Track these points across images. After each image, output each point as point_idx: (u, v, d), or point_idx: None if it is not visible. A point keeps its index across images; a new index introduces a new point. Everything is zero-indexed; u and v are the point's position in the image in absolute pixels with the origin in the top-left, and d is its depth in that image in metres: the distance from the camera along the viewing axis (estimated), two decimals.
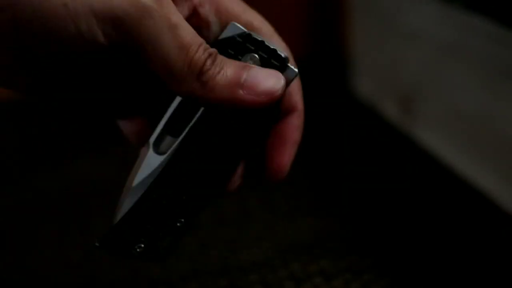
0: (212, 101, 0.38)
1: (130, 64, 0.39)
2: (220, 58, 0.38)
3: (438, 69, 0.67)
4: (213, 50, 0.38)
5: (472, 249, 0.55)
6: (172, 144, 0.40)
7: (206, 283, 0.52)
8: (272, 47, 0.40)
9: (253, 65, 0.39)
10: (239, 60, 0.39)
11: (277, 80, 0.39)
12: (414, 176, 0.66)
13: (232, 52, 0.40)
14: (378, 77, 0.79)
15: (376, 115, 0.78)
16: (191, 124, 0.40)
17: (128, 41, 0.37)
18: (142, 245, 0.41)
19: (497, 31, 0.58)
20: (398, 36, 0.73)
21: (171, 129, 0.40)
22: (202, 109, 0.40)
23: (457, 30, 0.63)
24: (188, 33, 0.37)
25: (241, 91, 0.38)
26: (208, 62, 0.37)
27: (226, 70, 0.38)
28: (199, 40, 0.37)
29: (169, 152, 0.40)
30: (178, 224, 0.41)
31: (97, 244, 0.41)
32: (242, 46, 0.40)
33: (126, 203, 0.41)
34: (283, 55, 0.40)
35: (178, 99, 0.41)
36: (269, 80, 0.39)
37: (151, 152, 0.40)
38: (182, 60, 0.37)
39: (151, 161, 0.40)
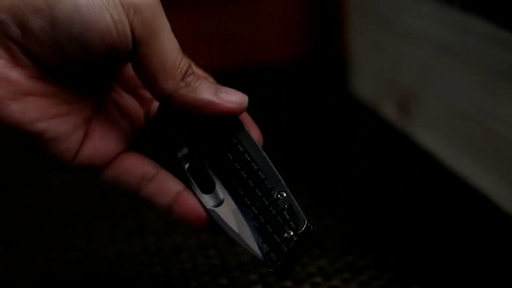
0: (191, 101, 0.43)
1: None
2: (197, 73, 0.44)
3: (437, 70, 0.67)
4: (189, 62, 0.44)
5: (471, 249, 0.55)
6: (218, 193, 0.45)
7: (206, 282, 0.52)
8: None
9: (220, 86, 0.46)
10: None
11: (243, 95, 0.46)
12: (413, 176, 0.67)
13: None
14: (377, 78, 0.79)
15: (375, 116, 0.78)
16: (208, 169, 0.45)
17: (144, 32, 0.41)
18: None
19: (495, 32, 0.58)
20: (397, 37, 0.73)
21: (204, 187, 0.45)
22: (206, 159, 0.45)
23: (456, 31, 0.63)
24: (176, 45, 0.43)
25: (218, 98, 0.44)
26: (189, 69, 0.43)
27: (205, 82, 0.44)
28: (181, 53, 0.43)
29: (224, 196, 0.44)
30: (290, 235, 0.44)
31: (270, 270, 0.43)
32: None
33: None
34: None
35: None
36: (238, 94, 0.46)
37: (220, 209, 0.44)
38: (174, 59, 0.42)
39: (227, 211, 0.44)
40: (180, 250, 0.56)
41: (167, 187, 0.45)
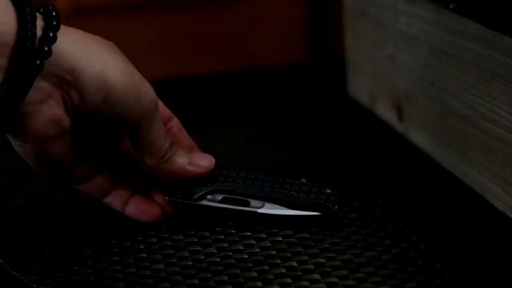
0: (169, 171, 0.58)
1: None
2: (175, 146, 0.58)
3: (432, 72, 0.67)
4: (172, 142, 0.58)
5: (466, 247, 0.56)
6: (256, 203, 0.60)
7: (207, 280, 0.53)
8: None
9: (197, 151, 0.61)
10: None
11: (211, 160, 0.60)
12: (409, 176, 0.67)
13: None
14: (374, 80, 0.79)
15: (372, 117, 0.79)
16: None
17: (145, 119, 0.56)
18: None
19: (489, 34, 0.58)
20: (393, 39, 0.74)
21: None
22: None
23: (451, 33, 0.63)
24: (163, 131, 0.57)
25: (189, 166, 0.59)
26: (169, 148, 0.58)
27: (180, 154, 0.58)
28: (167, 134, 0.58)
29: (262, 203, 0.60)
30: None
31: (336, 208, 0.59)
32: None
33: None
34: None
35: None
36: (206, 159, 0.59)
37: (263, 210, 0.60)
38: (160, 144, 0.57)
39: (271, 207, 0.60)
40: (181, 248, 0.57)
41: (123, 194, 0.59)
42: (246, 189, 0.59)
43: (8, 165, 0.70)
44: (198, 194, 0.59)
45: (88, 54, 0.53)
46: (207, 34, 1.13)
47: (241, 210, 0.59)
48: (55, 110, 0.53)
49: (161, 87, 0.89)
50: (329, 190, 0.59)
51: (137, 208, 0.59)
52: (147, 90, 0.56)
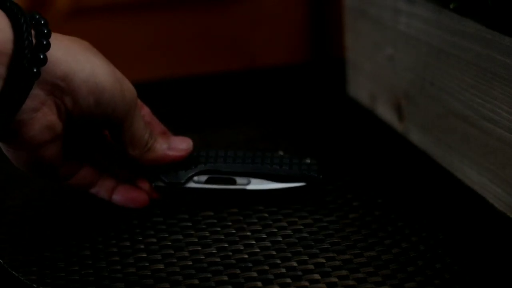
0: (152, 159, 0.60)
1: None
2: (154, 134, 0.60)
3: (432, 71, 0.67)
4: (150, 130, 0.60)
5: (465, 247, 0.56)
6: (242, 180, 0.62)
7: (207, 280, 0.53)
8: None
9: (171, 135, 0.62)
10: None
11: (189, 142, 0.62)
12: (409, 176, 0.67)
13: None
14: (373, 80, 0.79)
15: (372, 117, 0.79)
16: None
17: (127, 114, 0.57)
18: None
19: (488, 34, 0.58)
20: (392, 39, 0.74)
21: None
22: None
23: (450, 33, 0.63)
24: (142, 123, 0.59)
25: (169, 151, 0.61)
26: (150, 138, 0.59)
27: (159, 141, 0.60)
28: (146, 125, 0.59)
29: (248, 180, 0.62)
30: None
31: (321, 177, 0.63)
32: None
33: None
34: None
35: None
36: (184, 142, 0.61)
37: (250, 186, 0.62)
38: (141, 136, 0.59)
39: (257, 182, 0.62)
40: (181, 248, 0.57)
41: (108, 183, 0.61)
42: (230, 167, 0.61)
43: (7, 166, 0.69)
44: (184, 178, 0.61)
45: (77, 58, 0.54)
46: (207, 34, 1.13)
47: (229, 189, 0.61)
48: (49, 117, 0.54)
49: (161, 87, 0.89)
50: (309, 160, 0.62)
51: (124, 196, 0.61)
52: (128, 86, 0.57)
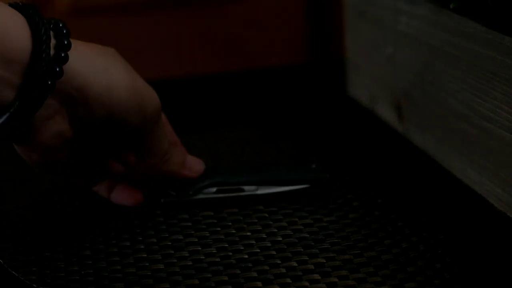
0: (166, 171, 0.61)
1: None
2: (171, 147, 0.61)
3: (432, 71, 0.67)
4: (169, 141, 0.60)
5: (465, 247, 0.56)
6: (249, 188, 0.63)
7: (207, 280, 0.53)
8: None
9: (183, 148, 0.63)
10: None
11: (202, 164, 0.64)
12: (409, 176, 0.67)
13: None
14: (374, 80, 0.79)
15: (373, 117, 0.79)
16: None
17: (146, 126, 0.57)
18: None
19: (488, 34, 0.58)
20: (393, 39, 0.74)
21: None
22: None
23: (450, 33, 0.64)
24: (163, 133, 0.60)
25: (184, 170, 0.62)
26: (169, 149, 0.60)
27: (176, 155, 0.61)
28: (166, 136, 0.60)
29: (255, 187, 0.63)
30: None
31: (327, 176, 0.64)
32: None
33: None
34: None
35: None
36: (198, 164, 0.63)
37: (259, 191, 0.63)
38: (161, 147, 0.59)
39: (264, 188, 0.63)
40: (181, 248, 0.57)
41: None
42: (238, 178, 0.63)
43: (8, 167, 0.70)
44: (193, 191, 0.62)
45: (96, 71, 0.54)
46: (207, 35, 1.14)
47: (239, 196, 0.62)
48: (60, 125, 0.54)
49: (161, 88, 0.89)
50: (314, 165, 0.64)
51: (120, 195, 0.62)
52: (150, 96, 0.57)
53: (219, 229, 0.59)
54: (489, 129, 0.60)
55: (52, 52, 0.52)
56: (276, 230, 0.59)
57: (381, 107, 0.78)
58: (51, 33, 0.52)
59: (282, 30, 1.13)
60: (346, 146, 0.74)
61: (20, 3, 0.52)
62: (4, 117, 0.51)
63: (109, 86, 0.54)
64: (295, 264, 0.54)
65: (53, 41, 0.52)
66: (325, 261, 0.54)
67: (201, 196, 0.62)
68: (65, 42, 0.52)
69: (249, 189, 0.63)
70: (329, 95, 0.88)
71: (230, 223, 0.60)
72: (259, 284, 0.52)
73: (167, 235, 0.59)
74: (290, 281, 0.52)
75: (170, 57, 1.13)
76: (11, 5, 0.52)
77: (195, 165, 0.63)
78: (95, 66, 0.54)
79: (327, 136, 0.77)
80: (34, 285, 0.53)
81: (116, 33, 1.05)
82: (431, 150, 0.69)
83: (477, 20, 0.60)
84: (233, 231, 0.59)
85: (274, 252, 0.56)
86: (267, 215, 0.61)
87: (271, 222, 0.60)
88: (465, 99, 0.62)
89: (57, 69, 0.51)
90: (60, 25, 0.53)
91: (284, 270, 0.53)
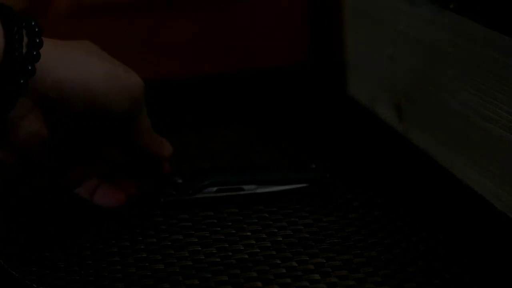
0: (154, 150, 0.61)
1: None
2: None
3: (432, 71, 0.67)
4: None
5: (465, 247, 0.56)
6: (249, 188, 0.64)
7: (207, 280, 0.53)
8: None
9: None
10: None
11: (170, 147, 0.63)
12: (409, 176, 0.67)
13: None
14: (374, 80, 0.79)
15: (373, 118, 0.79)
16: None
17: (131, 111, 0.57)
18: None
19: (487, 34, 0.58)
20: (393, 39, 0.74)
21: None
22: None
23: (450, 33, 0.64)
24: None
25: (164, 150, 0.62)
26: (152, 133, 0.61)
27: (156, 137, 0.61)
28: None
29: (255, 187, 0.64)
30: None
31: (327, 175, 0.64)
32: None
33: None
34: None
35: None
36: (169, 146, 0.63)
37: (258, 189, 0.63)
38: (147, 124, 0.60)
39: (263, 188, 0.64)
40: (181, 248, 0.57)
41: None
42: (237, 177, 0.63)
43: (8, 166, 0.70)
44: (193, 190, 0.62)
45: (69, 66, 0.53)
46: (207, 35, 1.13)
47: (239, 194, 0.62)
48: (34, 124, 0.54)
49: (161, 88, 0.89)
50: (314, 165, 0.64)
51: (102, 196, 0.61)
52: (132, 79, 0.57)
53: (219, 229, 0.59)
54: (489, 129, 0.60)
55: (24, 50, 0.51)
56: (276, 230, 0.59)
57: (381, 107, 0.78)
58: (24, 31, 0.52)
59: (282, 30, 1.13)
60: (346, 146, 0.74)
61: None
62: None
63: (84, 79, 0.54)
64: (295, 264, 0.54)
65: (25, 40, 0.52)
66: (325, 261, 0.54)
67: (201, 195, 0.62)
68: (37, 40, 0.52)
69: (249, 188, 0.63)
70: (329, 95, 0.88)
71: (230, 223, 0.60)
72: (259, 284, 0.52)
73: (167, 235, 0.59)
74: (290, 281, 0.52)
75: (170, 57, 1.12)
76: None
77: (168, 145, 0.63)
78: (69, 61, 0.54)
79: (327, 136, 0.77)
80: (34, 285, 0.53)
81: (116, 33, 1.05)
82: (431, 150, 0.69)
83: (477, 20, 0.60)
84: (233, 231, 0.59)
85: (274, 252, 0.56)
86: (267, 215, 0.61)
87: (271, 222, 0.60)
88: (465, 99, 0.62)
89: (29, 68, 0.51)
90: (33, 23, 0.53)
91: (284, 270, 0.53)
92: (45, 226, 0.61)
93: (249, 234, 0.58)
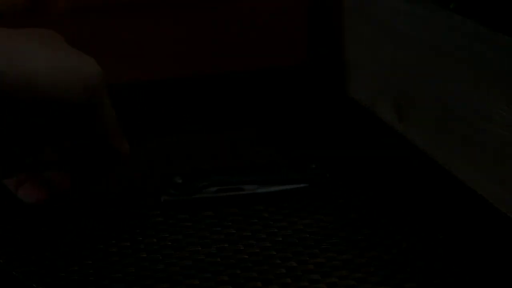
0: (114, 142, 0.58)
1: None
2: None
3: (431, 71, 0.67)
4: None
5: (465, 247, 0.56)
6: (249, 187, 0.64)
7: (207, 280, 0.53)
8: None
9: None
10: None
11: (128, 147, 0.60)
12: (409, 176, 0.67)
13: None
14: (373, 80, 0.79)
15: (373, 118, 0.79)
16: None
17: (96, 96, 0.55)
18: None
19: (488, 34, 0.58)
20: (392, 39, 0.74)
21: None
22: None
23: (450, 33, 0.64)
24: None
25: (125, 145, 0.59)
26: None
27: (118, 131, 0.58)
28: None
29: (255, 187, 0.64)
30: None
31: (328, 175, 0.65)
32: None
33: None
34: None
35: None
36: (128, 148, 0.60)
37: (259, 189, 0.63)
38: (116, 122, 0.57)
39: (263, 188, 0.64)
40: (181, 248, 0.57)
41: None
42: (238, 177, 0.63)
43: None
44: (193, 189, 0.62)
45: (11, 57, 0.52)
46: (206, 35, 1.13)
47: (239, 194, 0.62)
48: None
49: (160, 88, 0.89)
50: (314, 165, 0.64)
51: (25, 191, 0.60)
52: (87, 68, 0.55)
53: (219, 229, 0.59)
54: (489, 129, 0.60)
55: None
56: (276, 230, 0.59)
57: (381, 107, 0.78)
58: None
59: (282, 30, 1.13)
60: (346, 146, 0.74)
61: None
62: None
63: (27, 72, 0.52)
64: (295, 264, 0.54)
65: None
66: (325, 261, 0.54)
67: (201, 195, 0.62)
68: None
69: (249, 188, 0.63)
70: (329, 95, 0.88)
71: (230, 223, 0.60)
72: (259, 284, 0.52)
73: (167, 235, 0.59)
74: (290, 281, 0.52)
75: (169, 57, 1.12)
76: None
77: (127, 145, 0.60)
78: (12, 51, 0.52)
79: (327, 136, 0.77)
80: (34, 285, 0.53)
81: (116, 33, 1.05)
82: (431, 150, 0.69)
83: (477, 20, 0.60)
84: (233, 231, 0.59)
85: (274, 252, 0.56)
86: (267, 215, 0.61)
87: (271, 222, 0.60)
88: (465, 99, 0.62)
89: None
90: None
91: (284, 270, 0.53)
92: (45, 226, 0.61)
93: (249, 234, 0.58)
